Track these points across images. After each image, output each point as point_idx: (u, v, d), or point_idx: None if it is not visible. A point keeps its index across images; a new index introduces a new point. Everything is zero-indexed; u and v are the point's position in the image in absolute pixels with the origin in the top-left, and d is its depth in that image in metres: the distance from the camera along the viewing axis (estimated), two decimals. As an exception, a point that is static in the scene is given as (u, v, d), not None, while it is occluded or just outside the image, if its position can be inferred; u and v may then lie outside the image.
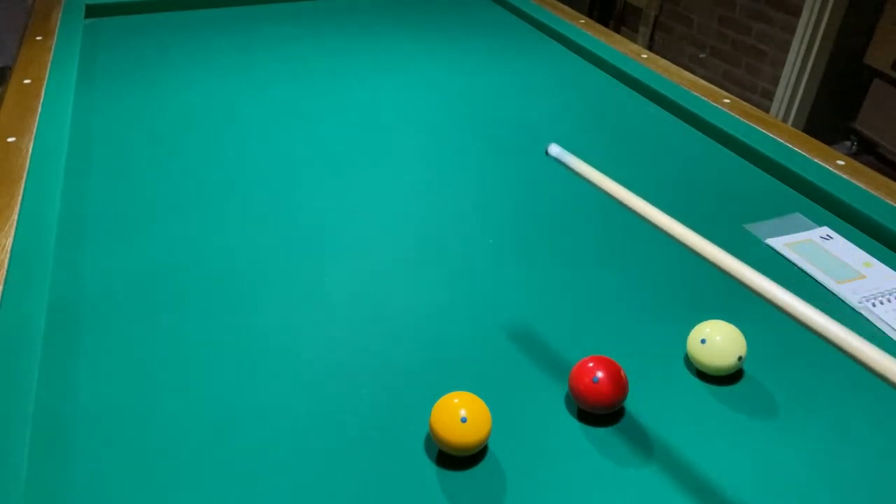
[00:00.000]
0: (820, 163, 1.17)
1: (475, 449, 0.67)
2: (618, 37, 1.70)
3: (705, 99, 1.38)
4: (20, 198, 1.01)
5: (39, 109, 1.25)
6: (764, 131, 1.26)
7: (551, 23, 1.76)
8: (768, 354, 0.82)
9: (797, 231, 1.04)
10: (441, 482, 0.66)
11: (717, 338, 0.77)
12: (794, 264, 0.97)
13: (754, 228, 1.05)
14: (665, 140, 1.30)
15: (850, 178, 1.13)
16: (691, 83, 1.45)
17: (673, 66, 1.54)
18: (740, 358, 0.76)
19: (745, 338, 0.78)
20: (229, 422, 0.72)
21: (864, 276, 0.94)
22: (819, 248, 1.00)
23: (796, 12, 2.96)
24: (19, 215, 0.97)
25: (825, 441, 0.71)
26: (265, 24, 1.78)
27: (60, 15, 1.70)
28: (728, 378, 0.78)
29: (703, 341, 0.77)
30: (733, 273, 0.54)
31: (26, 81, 1.36)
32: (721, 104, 1.36)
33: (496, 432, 0.71)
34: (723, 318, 0.85)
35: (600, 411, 0.72)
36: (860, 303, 0.90)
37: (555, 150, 0.67)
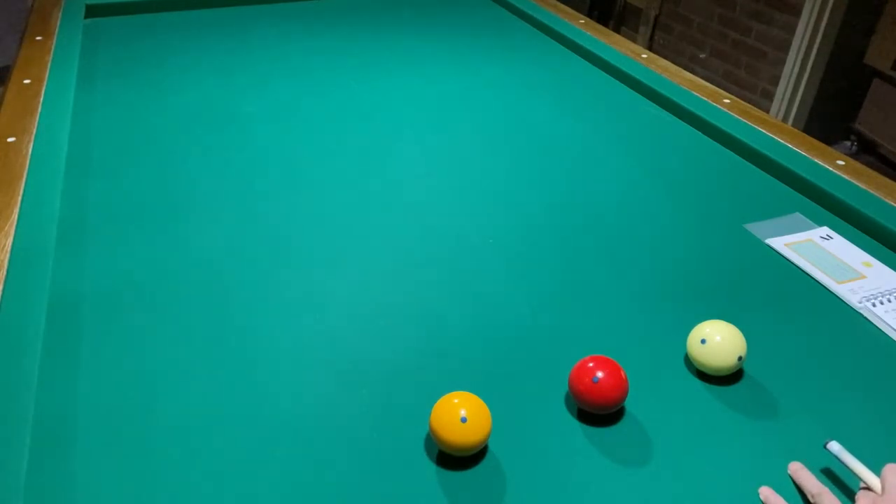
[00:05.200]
0: (820, 163, 1.17)
1: (475, 449, 0.67)
2: (618, 37, 1.70)
3: (705, 99, 1.38)
4: (20, 198, 1.01)
5: (39, 109, 1.25)
6: (764, 131, 1.26)
7: (551, 23, 1.76)
8: (768, 355, 0.82)
9: (797, 231, 1.04)
10: (441, 482, 0.66)
11: (717, 338, 0.77)
12: (794, 264, 0.97)
13: (754, 228, 1.05)
14: (665, 140, 1.30)
15: (850, 178, 1.13)
16: (691, 83, 1.45)
17: (673, 66, 1.54)
18: (740, 358, 0.76)
19: (745, 338, 0.78)
20: (229, 422, 0.72)
21: (864, 276, 0.94)
22: (819, 248, 1.00)
23: (796, 12, 2.96)
24: (19, 215, 0.97)
25: (824, 440, 0.71)
26: (265, 23, 1.78)
27: (60, 15, 1.70)
28: (728, 378, 0.78)
29: (703, 341, 0.77)
30: None
31: (26, 81, 1.36)
32: (721, 104, 1.36)
33: (496, 432, 0.71)
34: (723, 319, 0.85)
35: (600, 411, 0.72)
36: (860, 303, 0.90)
37: (835, 447, 0.68)
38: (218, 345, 0.81)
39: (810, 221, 1.07)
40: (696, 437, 0.71)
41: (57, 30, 1.61)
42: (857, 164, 1.17)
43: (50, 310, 0.83)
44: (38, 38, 1.57)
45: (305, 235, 1.01)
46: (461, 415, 0.66)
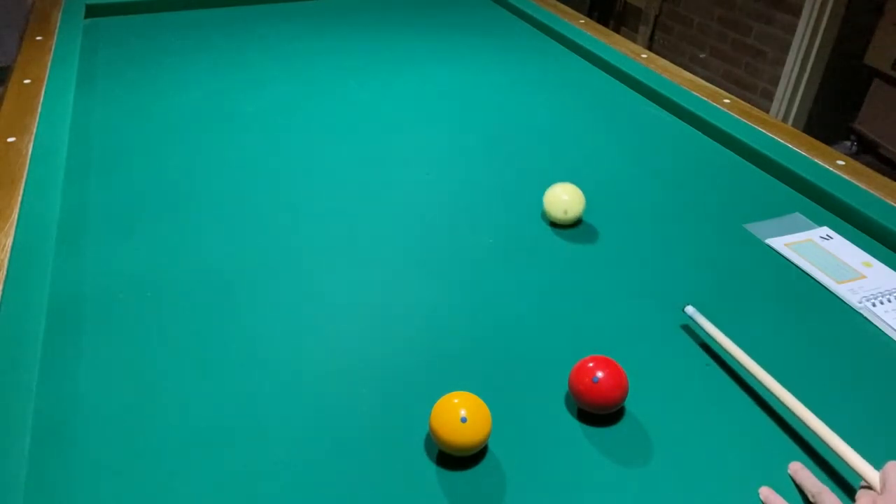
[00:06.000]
0: (820, 163, 1.17)
1: (475, 449, 0.67)
2: (618, 37, 1.70)
3: (705, 99, 1.38)
4: (20, 198, 1.01)
5: (39, 109, 1.25)
6: (764, 131, 1.26)
7: (551, 23, 1.76)
8: (768, 355, 0.82)
9: (797, 231, 1.04)
10: (441, 482, 0.66)
11: (564, 196, 1.01)
12: (794, 264, 0.97)
13: (754, 228, 1.05)
14: (665, 140, 1.30)
15: (850, 178, 1.13)
16: (691, 83, 1.45)
17: (673, 66, 1.54)
18: (565, 212, 1.00)
19: (745, 337, 0.79)
20: (229, 422, 0.72)
21: (864, 276, 0.94)
22: (819, 248, 1.00)
23: (796, 12, 2.96)
24: (19, 215, 0.97)
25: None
26: (264, 23, 1.78)
27: (60, 15, 1.70)
28: (728, 377, 0.78)
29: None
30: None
31: (26, 81, 1.36)
32: (721, 104, 1.36)
33: (496, 432, 0.71)
34: (723, 318, 0.85)
35: (600, 411, 0.72)
36: (860, 303, 0.90)
37: (690, 310, 0.83)
38: (218, 345, 0.81)
39: (810, 221, 1.07)
40: (695, 437, 0.71)
41: (57, 30, 1.61)
42: (857, 164, 1.17)
43: (50, 310, 0.83)
44: (38, 38, 1.57)
45: (306, 235, 1.01)
46: (461, 415, 0.66)
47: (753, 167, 1.22)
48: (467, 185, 1.14)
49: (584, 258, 0.98)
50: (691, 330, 0.85)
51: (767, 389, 0.72)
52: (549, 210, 1.02)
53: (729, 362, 0.80)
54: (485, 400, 0.74)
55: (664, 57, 1.74)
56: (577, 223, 1.03)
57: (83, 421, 0.71)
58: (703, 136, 1.31)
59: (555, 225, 1.02)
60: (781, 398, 0.70)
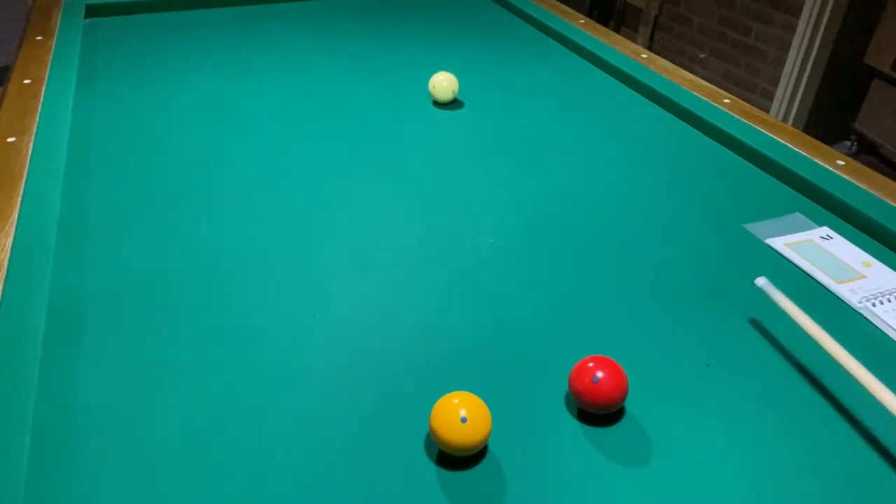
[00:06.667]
0: (820, 163, 1.17)
1: (475, 449, 0.67)
2: (618, 37, 1.70)
3: (705, 99, 1.38)
4: (20, 198, 1.01)
5: (39, 109, 1.25)
6: (764, 131, 1.26)
7: (551, 23, 1.76)
8: (769, 355, 0.82)
9: (797, 231, 1.04)
10: (441, 482, 0.66)
11: (445, 83, 1.33)
12: (794, 264, 0.97)
13: (754, 228, 1.05)
14: (665, 140, 1.30)
15: (850, 178, 1.13)
16: (691, 83, 1.45)
17: (673, 66, 1.54)
18: (433, 87, 1.34)
19: (745, 337, 0.78)
20: (229, 422, 0.72)
21: (864, 276, 0.94)
22: (819, 248, 1.00)
23: (796, 12, 2.96)
24: (19, 215, 0.97)
25: (825, 436, 0.71)
26: (265, 24, 1.78)
27: (60, 15, 1.70)
28: (727, 377, 0.78)
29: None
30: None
31: (26, 81, 1.36)
32: (721, 104, 1.36)
33: (496, 432, 0.71)
34: (723, 318, 0.85)
35: (600, 411, 0.72)
36: (860, 303, 0.90)
37: (761, 281, 0.82)
38: (219, 345, 0.81)
39: (810, 221, 1.07)
40: (696, 436, 0.71)
41: (57, 30, 1.61)
42: (857, 164, 1.17)
43: (50, 309, 0.83)
44: (38, 38, 1.57)
45: (307, 235, 1.01)
46: (461, 415, 0.66)
47: (753, 167, 1.22)
48: (467, 184, 1.14)
49: (583, 258, 0.98)
50: (691, 330, 0.85)
51: (844, 368, 0.69)
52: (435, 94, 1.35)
53: (786, 341, 0.79)
54: (485, 400, 0.74)
55: (664, 57, 1.74)
56: (452, 100, 1.37)
57: (83, 421, 0.71)
58: (703, 136, 1.31)
59: (437, 104, 1.36)
60: (861, 379, 0.68)
